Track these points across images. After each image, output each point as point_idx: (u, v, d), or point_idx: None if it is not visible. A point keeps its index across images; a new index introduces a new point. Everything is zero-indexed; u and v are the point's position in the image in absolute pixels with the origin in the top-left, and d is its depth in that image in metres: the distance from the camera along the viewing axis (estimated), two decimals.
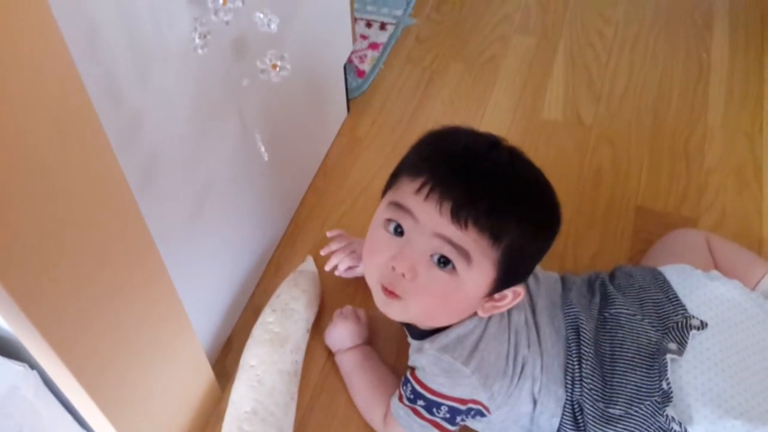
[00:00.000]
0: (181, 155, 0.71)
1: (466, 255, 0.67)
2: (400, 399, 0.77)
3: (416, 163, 0.72)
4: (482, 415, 0.75)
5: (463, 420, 0.76)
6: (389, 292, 0.72)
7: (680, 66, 1.29)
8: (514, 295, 0.73)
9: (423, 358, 0.75)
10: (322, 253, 0.96)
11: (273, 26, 0.67)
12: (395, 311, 0.74)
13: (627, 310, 0.76)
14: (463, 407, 0.73)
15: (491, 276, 0.69)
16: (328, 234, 0.97)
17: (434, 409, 0.74)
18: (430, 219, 0.67)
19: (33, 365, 0.62)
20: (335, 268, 0.94)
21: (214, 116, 0.75)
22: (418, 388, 0.75)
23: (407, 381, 0.76)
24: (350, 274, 0.95)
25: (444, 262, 0.68)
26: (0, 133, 0.42)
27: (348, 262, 0.93)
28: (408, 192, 0.69)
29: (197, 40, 0.64)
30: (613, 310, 0.76)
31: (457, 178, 0.68)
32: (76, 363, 0.55)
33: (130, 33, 0.57)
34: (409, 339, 0.81)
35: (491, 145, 0.72)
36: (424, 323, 0.77)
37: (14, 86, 0.42)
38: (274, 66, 0.72)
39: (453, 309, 0.73)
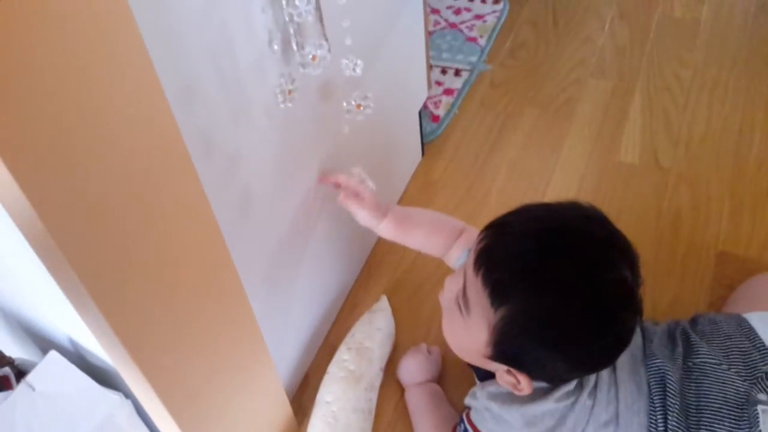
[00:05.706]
0: (268, 200, 0.74)
1: (466, 303, 0.68)
2: None
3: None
4: None
5: None
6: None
7: (762, 108, 1.26)
8: (528, 386, 0.69)
9: (475, 401, 0.75)
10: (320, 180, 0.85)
11: (358, 70, 0.70)
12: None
13: (712, 359, 0.73)
14: None
15: (484, 337, 0.67)
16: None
17: None
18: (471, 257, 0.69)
19: (127, 395, 0.65)
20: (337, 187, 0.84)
21: (299, 160, 0.79)
22: (470, 429, 0.75)
23: (461, 421, 0.77)
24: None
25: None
26: (111, 183, 0.45)
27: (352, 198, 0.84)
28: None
29: (279, 96, 0.68)
30: (698, 360, 0.73)
31: (510, 231, 0.68)
32: (167, 394, 0.58)
33: (223, 89, 0.61)
34: (476, 380, 0.81)
35: (579, 218, 0.67)
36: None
37: (121, 137, 0.45)
38: (359, 106, 0.76)
39: (461, 344, 0.74)
